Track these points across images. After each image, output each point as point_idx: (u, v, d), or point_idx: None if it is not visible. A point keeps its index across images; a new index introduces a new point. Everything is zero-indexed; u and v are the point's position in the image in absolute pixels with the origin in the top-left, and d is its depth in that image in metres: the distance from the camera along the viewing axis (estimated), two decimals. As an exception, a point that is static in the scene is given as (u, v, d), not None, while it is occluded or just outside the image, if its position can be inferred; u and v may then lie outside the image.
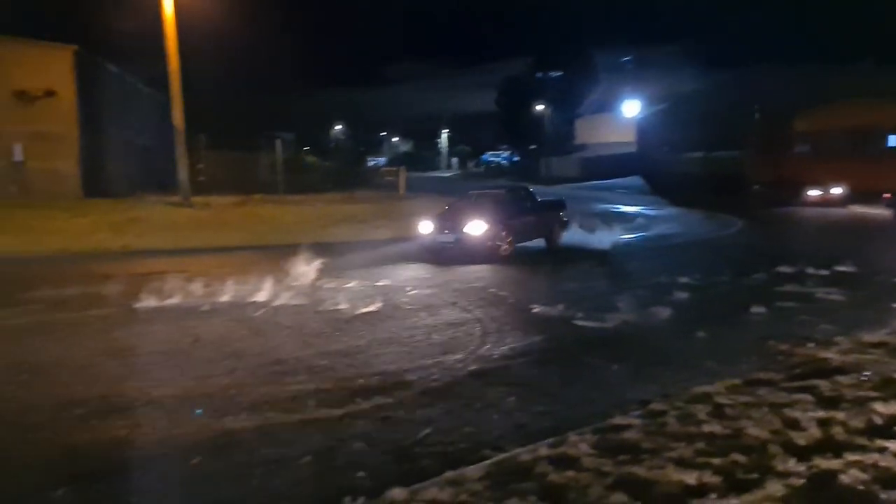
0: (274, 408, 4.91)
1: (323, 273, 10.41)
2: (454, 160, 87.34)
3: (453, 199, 15.67)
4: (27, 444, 4.32)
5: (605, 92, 56.95)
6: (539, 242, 14.45)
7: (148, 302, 8.58)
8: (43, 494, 3.64)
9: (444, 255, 12.43)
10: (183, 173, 20.38)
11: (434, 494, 3.36)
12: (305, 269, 10.33)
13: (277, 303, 8.57)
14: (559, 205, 15.42)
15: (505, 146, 73.94)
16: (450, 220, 12.88)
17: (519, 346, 6.53)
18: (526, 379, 5.55)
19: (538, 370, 5.81)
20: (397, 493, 3.38)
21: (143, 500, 3.59)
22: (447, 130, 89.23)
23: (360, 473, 3.82)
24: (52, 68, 21.94)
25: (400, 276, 10.96)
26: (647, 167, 41.81)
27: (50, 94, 21.65)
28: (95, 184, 22.64)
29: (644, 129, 46.65)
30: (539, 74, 62.28)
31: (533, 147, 62.38)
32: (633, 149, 48.03)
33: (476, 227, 12.32)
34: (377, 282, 10.26)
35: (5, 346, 6.83)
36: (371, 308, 8.22)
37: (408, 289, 9.70)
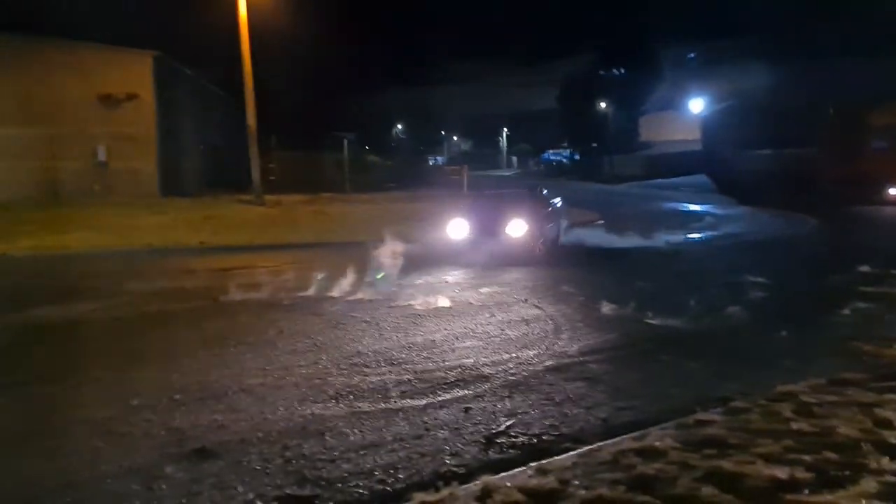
0: (358, 397, 5.12)
1: (393, 269, 10.64)
2: (514, 159, 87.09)
3: (469, 198, 15.17)
4: (135, 425, 4.63)
5: (670, 89, 55.98)
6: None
7: (231, 296, 8.97)
8: (154, 471, 3.92)
9: (485, 255, 12.17)
10: (256, 173, 21.10)
11: (524, 482, 3.48)
12: (376, 266, 10.59)
13: (352, 297, 8.84)
14: (561, 205, 15.53)
15: (566, 144, 73.31)
16: (487, 221, 12.77)
17: (593, 342, 6.57)
18: (603, 375, 5.59)
19: (614, 367, 5.84)
20: (488, 479, 3.52)
21: (247, 478, 3.81)
22: (507, 129, 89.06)
23: (449, 460, 3.98)
24: (134, 73, 23.06)
25: (468, 273, 11.09)
26: (714, 165, 40.81)
27: (132, 97, 22.76)
28: (171, 183, 23.66)
29: (710, 126, 45.56)
30: (602, 72, 61.48)
31: (594, 145, 61.70)
32: (698, 146, 47.01)
33: (517, 228, 12.32)
34: (447, 278, 10.44)
35: (106, 337, 7.29)
36: (444, 304, 8.40)
37: (477, 285, 9.84)
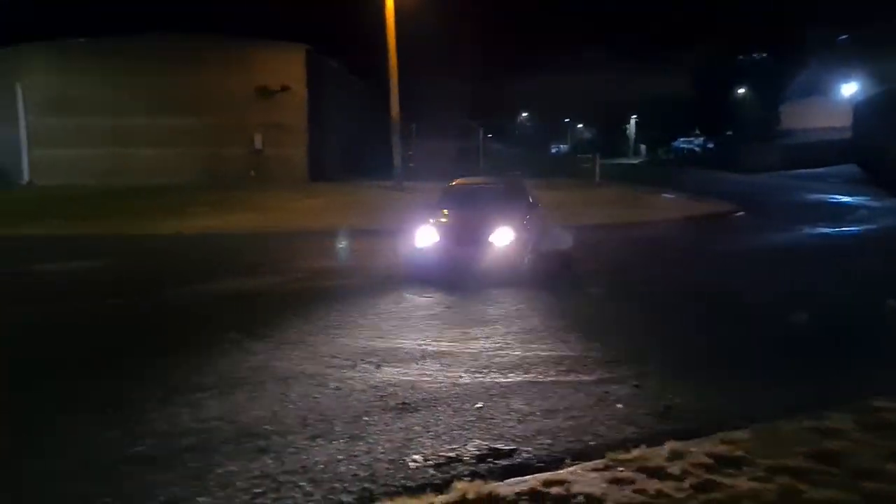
0: (530, 369, 5.57)
1: (543, 254, 11.03)
2: (642, 147, 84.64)
3: (450, 190, 12.20)
4: (341, 382, 5.32)
5: (816, 74, 52.45)
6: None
7: (391, 274, 9.71)
8: (369, 418, 4.56)
9: (459, 268, 9.55)
10: (397, 160, 22.15)
11: (709, 448, 3.79)
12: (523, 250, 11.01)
13: (507, 278, 9.29)
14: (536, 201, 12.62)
15: (698, 132, 70.45)
16: (463, 228, 10.06)
17: (744, 333, 6.71)
18: (763, 363, 5.76)
19: (774, 356, 5.97)
20: (674, 444, 3.86)
21: (448, 430, 4.36)
22: (635, 116, 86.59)
23: (628, 428, 4.37)
24: (288, 66, 24.79)
25: (617, 261, 11.30)
26: (866, 155, 37.97)
27: (285, 89, 24.51)
28: (318, 169, 25.26)
29: (864, 112, 42.28)
30: (740, 56, 58.57)
31: (729, 133, 58.99)
32: (844, 135, 43.87)
33: (503, 237, 9.69)
34: (603, 266, 10.67)
35: (292, 306, 8.16)
36: (598, 289, 8.74)
37: (626, 274, 10.07)
